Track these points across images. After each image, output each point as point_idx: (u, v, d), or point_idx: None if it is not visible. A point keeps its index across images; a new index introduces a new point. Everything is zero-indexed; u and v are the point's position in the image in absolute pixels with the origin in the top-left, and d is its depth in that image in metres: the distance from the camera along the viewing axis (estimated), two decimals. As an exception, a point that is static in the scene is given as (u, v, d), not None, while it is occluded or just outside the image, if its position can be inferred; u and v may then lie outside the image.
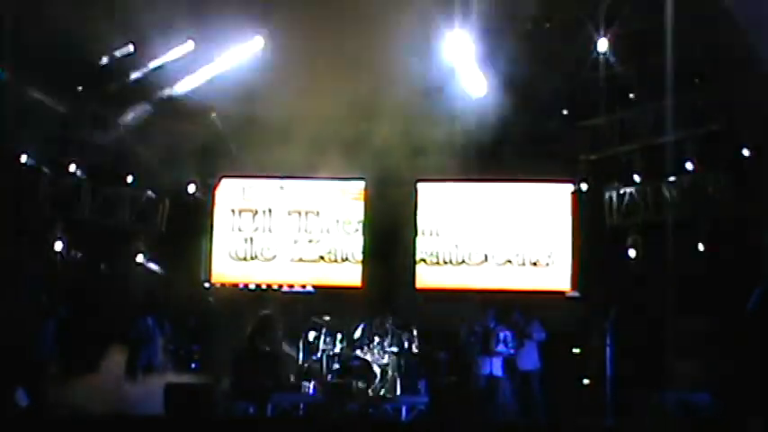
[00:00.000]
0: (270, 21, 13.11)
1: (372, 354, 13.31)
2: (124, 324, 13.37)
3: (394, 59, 12.23)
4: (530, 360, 13.15)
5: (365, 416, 12.36)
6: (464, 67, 13.38)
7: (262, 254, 14.89)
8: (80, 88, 14.03)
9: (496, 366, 12.93)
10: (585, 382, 13.55)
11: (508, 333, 12.98)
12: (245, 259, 14.91)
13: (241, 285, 14.86)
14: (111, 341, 12.70)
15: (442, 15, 12.52)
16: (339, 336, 13.62)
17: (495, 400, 12.79)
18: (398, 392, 13.13)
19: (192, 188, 15.06)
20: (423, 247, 14.60)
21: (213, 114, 14.43)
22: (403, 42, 12.14)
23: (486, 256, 14.52)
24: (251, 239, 14.92)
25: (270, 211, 14.98)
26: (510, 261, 14.44)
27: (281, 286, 14.77)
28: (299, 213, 14.93)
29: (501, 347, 12.90)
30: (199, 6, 12.62)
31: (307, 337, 13.75)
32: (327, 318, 13.87)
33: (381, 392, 12.99)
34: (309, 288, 14.78)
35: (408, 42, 12.27)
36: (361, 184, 14.80)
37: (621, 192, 14.39)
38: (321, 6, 12.02)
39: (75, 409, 10.78)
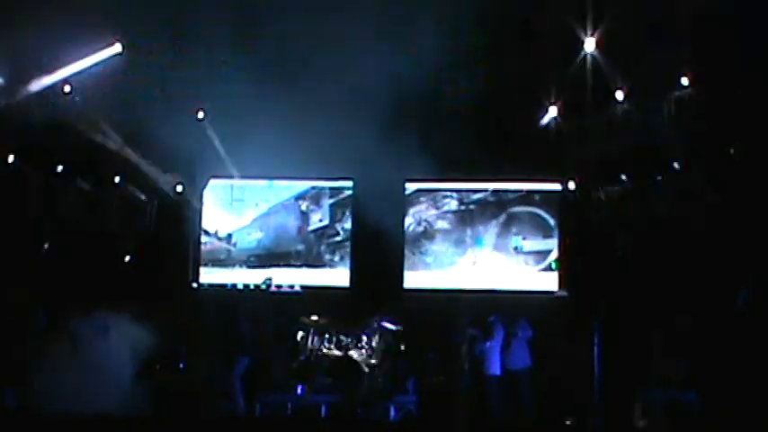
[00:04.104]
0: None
1: (360, 353, 13.30)
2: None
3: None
4: (519, 359, 13.17)
5: (354, 416, 12.36)
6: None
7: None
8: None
9: (496, 366, 12.98)
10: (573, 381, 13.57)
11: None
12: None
13: (229, 285, 14.83)
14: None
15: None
16: (327, 336, 13.61)
17: (489, 399, 12.86)
18: (387, 392, 13.13)
19: (180, 188, 15.00)
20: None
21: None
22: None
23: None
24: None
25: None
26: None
27: (269, 286, 14.72)
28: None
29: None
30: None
31: (295, 337, 13.73)
32: (315, 318, 13.84)
33: (370, 392, 12.99)
34: (298, 288, 14.75)
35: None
36: (349, 184, 14.80)
37: (609, 191, 14.41)
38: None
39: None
